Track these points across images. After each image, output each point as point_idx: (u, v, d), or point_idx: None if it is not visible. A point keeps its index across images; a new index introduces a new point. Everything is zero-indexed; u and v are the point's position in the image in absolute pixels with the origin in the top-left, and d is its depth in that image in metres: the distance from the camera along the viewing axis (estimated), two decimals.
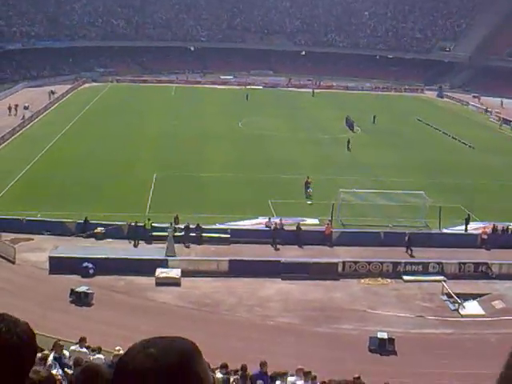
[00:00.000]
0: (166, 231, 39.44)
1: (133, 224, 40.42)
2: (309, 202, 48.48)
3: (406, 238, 40.77)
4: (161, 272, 35.64)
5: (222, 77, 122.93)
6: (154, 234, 40.45)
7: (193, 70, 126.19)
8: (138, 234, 40.41)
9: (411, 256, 39.87)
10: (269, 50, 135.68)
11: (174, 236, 39.24)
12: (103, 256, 36.94)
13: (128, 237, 40.75)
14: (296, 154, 64.05)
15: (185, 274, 35.87)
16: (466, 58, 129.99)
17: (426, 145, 71.89)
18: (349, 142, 67.16)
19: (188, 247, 40.24)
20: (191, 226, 40.65)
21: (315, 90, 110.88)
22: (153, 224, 40.61)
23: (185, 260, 37.85)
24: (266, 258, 38.27)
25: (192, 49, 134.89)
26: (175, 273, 35.82)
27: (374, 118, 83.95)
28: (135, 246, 40.15)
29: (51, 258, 36.38)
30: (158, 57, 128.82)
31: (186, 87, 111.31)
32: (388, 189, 48.90)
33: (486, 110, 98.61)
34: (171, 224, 40.14)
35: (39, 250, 38.58)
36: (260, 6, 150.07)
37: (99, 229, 40.78)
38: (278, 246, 40.61)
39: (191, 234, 40.55)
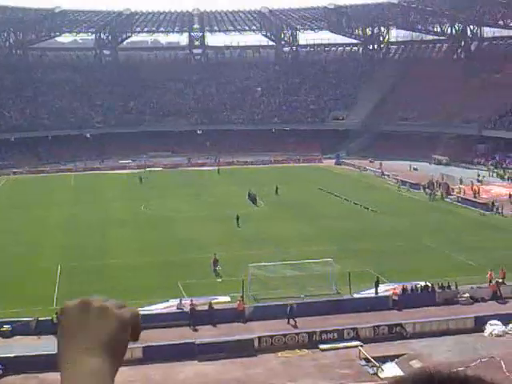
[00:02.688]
0: None
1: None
2: (218, 280, 48.15)
3: (288, 308, 40.56)
4: None
5: (120, 161, 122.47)
6: None
7: (91, 157, 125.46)
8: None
9: (294, 327, 39.57)
10: (166, 131, 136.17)
11: None
12: (12, 355, 35.47)
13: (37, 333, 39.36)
14: (202, 232, 63.87)
15: None
16: (360, 125, 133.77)
17: (330, 212, 72.85)
18: (238, 218, 67.23)
19: None
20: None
21: (220, 167, 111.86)
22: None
23: None
24: (181, 340, 37.56)
25: (88, 136, 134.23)
26: None
27: (277, 188, 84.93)
28: None
29: None
30: (54, 146, 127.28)
31: (86, 174, 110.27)
32: (297, 259, 49.04)
33: (383, 174, 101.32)
34: None
35: None
36: (154, 89, 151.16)
37: (5, 327, 39.27)
38: (193, 327, 40.01)
39: None
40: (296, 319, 40.06)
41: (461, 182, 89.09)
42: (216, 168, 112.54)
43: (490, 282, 44.54)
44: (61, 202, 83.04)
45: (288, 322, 40.00)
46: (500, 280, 44.47)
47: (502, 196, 79.63)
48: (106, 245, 60.05)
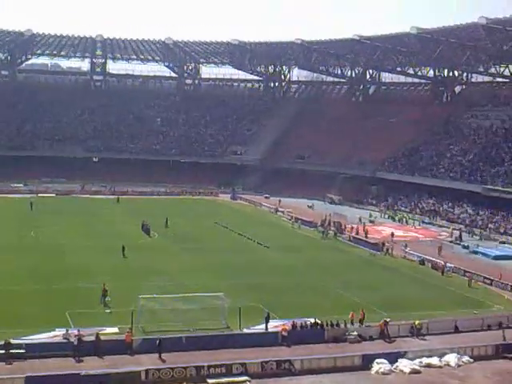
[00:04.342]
0: None
1: None
2: (107, 311, 47.15)
3: (157, 342, 39.92)
4: None
5: (12, 185, 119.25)
6: None
7: None
8: None
9: (162, 361, 38.93)
10: (61, 156, 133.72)
11: None
12: None
13: None
14: (93, 261, 62.63)
15: None
16: (257, 161, 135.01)
17: (224, 247, 72.93)
18: (123, 248, 66.40)
19: (10, 364, 37.48)
20: (12, 341, 38.28)
21: (120, 197, 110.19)
22: None
23: None
24: (65, 371, 36.40)
25: None
26: None
27: (167, 221, 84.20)
28: None
29: None
30: None
31: None
32: (188, 292, 48.58)
33: (277, 210, 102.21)
34: None
35: None
36: (50, 113, 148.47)
37: None
38: (79, 358, 38.90)
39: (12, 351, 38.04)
40: (163, 354, 39.27)
41: (360, 221, 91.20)
42: (113, 196, 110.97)
43: (352, 321, 45.25)
44: None
45: (159, 357, 39.25)
46: (388, 320, 45.18)
47: (392, 237, 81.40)
48: None
